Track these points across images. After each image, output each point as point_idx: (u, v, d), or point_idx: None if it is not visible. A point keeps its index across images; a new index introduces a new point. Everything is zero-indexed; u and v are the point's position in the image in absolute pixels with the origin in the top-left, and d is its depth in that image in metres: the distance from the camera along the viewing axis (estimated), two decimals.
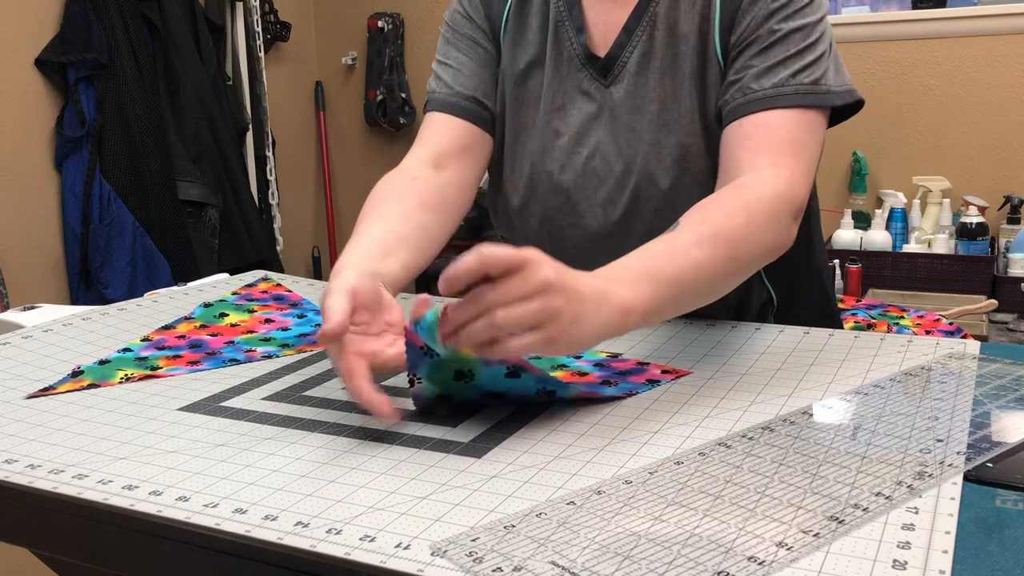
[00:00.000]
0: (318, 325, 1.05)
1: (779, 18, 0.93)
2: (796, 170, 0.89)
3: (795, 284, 1.04)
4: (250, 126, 3.16)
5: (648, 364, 0.86)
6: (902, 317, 2.21)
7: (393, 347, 0.79)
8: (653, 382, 0.81)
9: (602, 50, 1.01)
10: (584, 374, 0.81)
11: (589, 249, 1.02)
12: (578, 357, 0.87)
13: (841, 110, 0.96)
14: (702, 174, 0.96)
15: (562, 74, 1.04)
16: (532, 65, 1.06)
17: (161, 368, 0.91)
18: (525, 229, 1.06)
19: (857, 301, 2.40)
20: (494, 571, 0.51)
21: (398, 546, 0.54)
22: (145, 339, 1.00)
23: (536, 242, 1.04)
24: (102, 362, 0.92)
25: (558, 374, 0.81)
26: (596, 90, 1.02)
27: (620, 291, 0.73)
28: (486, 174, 1.13)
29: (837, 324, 1.14)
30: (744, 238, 0.83)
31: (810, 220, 1.08)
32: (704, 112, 0.97)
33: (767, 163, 0.89)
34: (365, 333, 0.79)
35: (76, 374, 0.89)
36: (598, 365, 0.83)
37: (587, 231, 1.02)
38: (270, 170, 3.26)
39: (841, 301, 2.37)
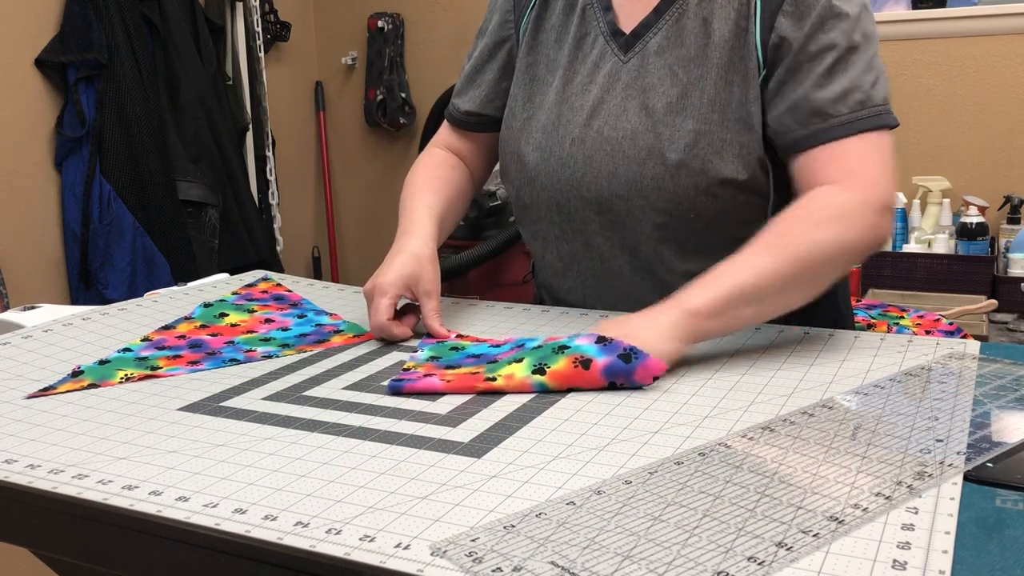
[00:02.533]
0: (318, 325, 1.06)
1: (831, 31, 0.95)
2: (871, 173, 0.94)
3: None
4: (250, 126, 3.16)
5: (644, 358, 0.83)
6: (902, 317, 2.21)
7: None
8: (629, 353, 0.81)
9: (628, 28, 1.06)
10: (588, 361, 0.80)
11: (594, 222, 1.05)
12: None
13: None
14: (711, 162, 0.98)
15: (584, 51, 1.08)
16: (552, 43, 1.11)
17: (161, 368, 0.91)
18: (535, 203, 1.09)
19: (857, 301, 2.39)
20: (494, 571, 0.51)
21: (398, 546, 0.54)
22: (145, 339, 1.00)
23: (546, 216, 1.09)
24: (102, 362, 0.92)
25: (560, 363, 0.81)
26: (613, 65, 1.05)
27: (683, 298, 0.86)
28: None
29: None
30: (810, 240, 0.89)
31: None
32: (729, 101, 0.99)
33: (840, 174, 0.94)
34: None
35: (76, 374, 0.89)
36: (600, 342, 0.81)
37: (591, 201, 1.04)
38: (270, 170, 3.26)
39: None
